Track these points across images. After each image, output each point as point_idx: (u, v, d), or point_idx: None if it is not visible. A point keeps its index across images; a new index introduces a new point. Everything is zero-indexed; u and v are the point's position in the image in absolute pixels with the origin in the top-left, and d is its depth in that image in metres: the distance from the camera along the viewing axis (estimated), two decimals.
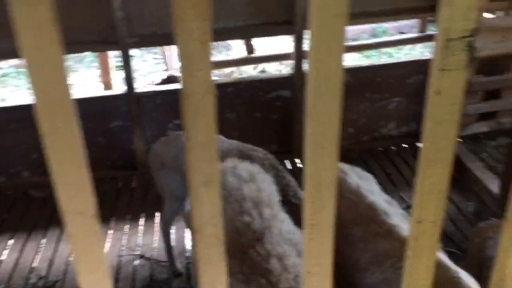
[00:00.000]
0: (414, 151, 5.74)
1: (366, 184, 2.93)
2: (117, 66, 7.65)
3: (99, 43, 4.84)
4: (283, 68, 8.66)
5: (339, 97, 1.14)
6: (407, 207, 4.82)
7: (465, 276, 2.21)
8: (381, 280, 2.30)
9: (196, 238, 1.26)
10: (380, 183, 5.20)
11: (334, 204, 1.27)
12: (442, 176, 1.28)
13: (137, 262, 4.32)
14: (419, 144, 5.99)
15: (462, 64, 1.15)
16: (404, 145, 5.82)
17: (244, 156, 3.52)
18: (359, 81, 5.37)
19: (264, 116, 5.44)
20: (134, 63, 8.79)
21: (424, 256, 1.39)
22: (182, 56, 1.01)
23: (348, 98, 5.45)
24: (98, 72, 8.60)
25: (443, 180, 1.29)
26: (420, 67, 5.47)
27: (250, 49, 5.73)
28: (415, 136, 5.75)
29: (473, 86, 5.16)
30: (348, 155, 5.67)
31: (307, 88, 1.14)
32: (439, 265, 2.29)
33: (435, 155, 1.25)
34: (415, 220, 1.35)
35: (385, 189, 5.14)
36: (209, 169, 1.18)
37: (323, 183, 1.23)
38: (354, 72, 5.35)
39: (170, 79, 7.48)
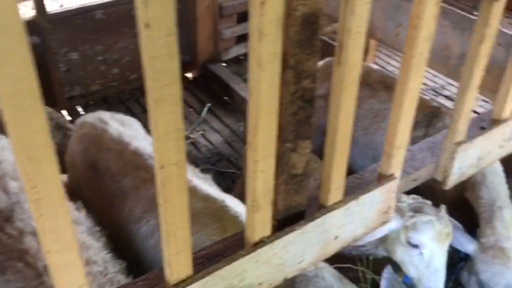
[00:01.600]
0: (185, 82, 5.77)
1: (130, 130, 2.77)
2: None
3: None
4: (26, 11, 7.54)
5: (24, 41, 0.91)
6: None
7: (232, 202, 2.29)
8: (156, 226, 2.24)
9: None
10: None
11: (57, 169, 1.08)
12: (174, 114, 1.19)
13: None
14: (189, 75, 5.99)
15: None
16: None
17: None
18: (114, 17, 5.01)
19: None
20: None
21: (175, 201, 1.32)
22: None
23: (106, 36, 5.14)
24: None
25: (177, 117, 1.20)
26: None
27: None
28: (182, 67, 5.74)
29: (225, 10, 5.29)
30: (118, 96, 5.41)
31: None
32: (206, 198, 2.33)
33: (161, 93, 1.14)
34: (158, 165, 1.25)
35: None
36: None
37: (34, 149, 1.02)
38: (106, 8, 4.95)
39: None
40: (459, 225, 2.76)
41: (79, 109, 5.21)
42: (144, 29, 1.04)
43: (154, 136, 1.21)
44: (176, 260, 1.43)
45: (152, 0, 1.02)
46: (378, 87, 3.58)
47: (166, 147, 1.23)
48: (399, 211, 2.49)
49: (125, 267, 1.98)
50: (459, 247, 2.76)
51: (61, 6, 6.71)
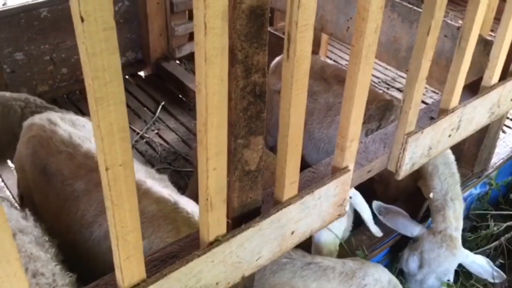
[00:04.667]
0: (138, 81, 5.64)
1: (82, 131, 2.66)
2: None
3: None
4: None
5: None
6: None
7: (185, 203, 2.24)
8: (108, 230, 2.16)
9: None
10: None
11: None
12: (118, 113, 1.14)
13: None
14: (141, 73, 5.86)
15: None
16: (126, 77, 5.64)
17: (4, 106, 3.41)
18: (60, 15, 4.83)
19: None
20: None
21: (124, 203, 1.27)
22: None
23: (52, 35, 4.95)
24: None
25: (121, 116, 1.15)
26: None
27: None
28: (135, 65, 5.63)
29: (176, 6, 5.20)
30: (68, 97, 5.23)
31: None
32: (159, 201, 2.26)
33: (102, 91, 1.09)
34: (103, 167, 1.19)
35: None
36: None
37: None
38: (51, 6, 4.77)
39: None
40: (405, 213, 2.87)
41: None
42: (79, 23, 0.98)
43: (97, 137, 1.15)
44: (127, 265, 1.37)
45: None
46: (333, 81, 3.61)
47: (111, 148, 1.17)
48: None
49: (75, 279, 1.89)
50: (403, 231, 2.86)
51: (4, 4, 6.43)
